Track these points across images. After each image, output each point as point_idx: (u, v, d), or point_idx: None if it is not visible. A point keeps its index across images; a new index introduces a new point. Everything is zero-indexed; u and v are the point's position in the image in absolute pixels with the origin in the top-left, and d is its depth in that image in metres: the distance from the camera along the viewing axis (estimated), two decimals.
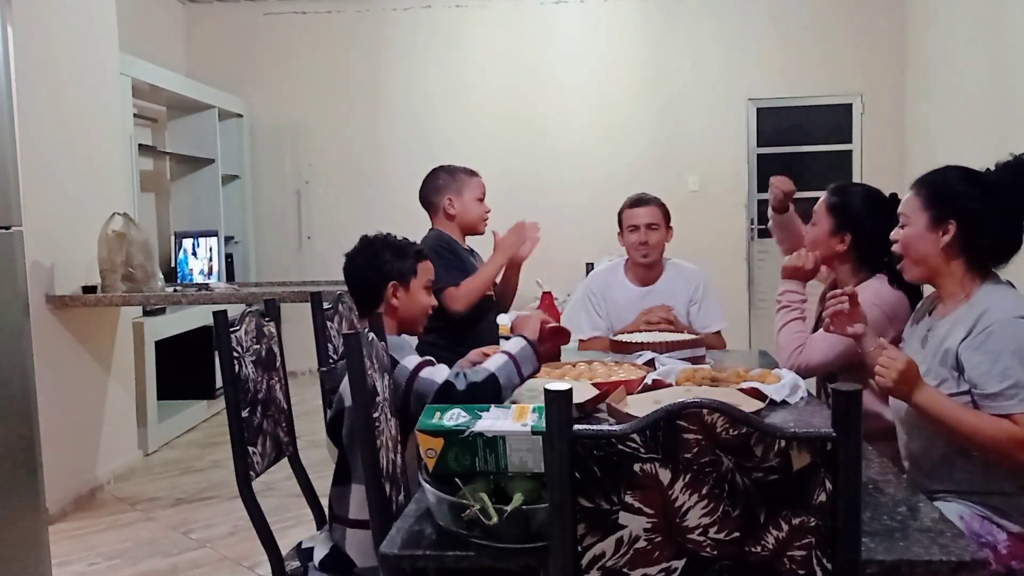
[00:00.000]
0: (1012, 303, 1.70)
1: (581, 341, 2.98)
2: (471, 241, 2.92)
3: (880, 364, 1.74)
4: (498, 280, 2.84)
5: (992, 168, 1.79)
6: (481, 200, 2.83)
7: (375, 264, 2.00)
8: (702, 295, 2.98)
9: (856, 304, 1.95)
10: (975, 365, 1.67)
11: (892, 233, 1.88)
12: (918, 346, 1.87)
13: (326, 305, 2.42)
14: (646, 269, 3.00)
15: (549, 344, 2.06)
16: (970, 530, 1.68)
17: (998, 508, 1.71)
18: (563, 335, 2.09)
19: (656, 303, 2.96)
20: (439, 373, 1.82)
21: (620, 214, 3.01)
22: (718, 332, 2.95)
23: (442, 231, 2.79)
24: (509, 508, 1.21)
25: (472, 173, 2.85)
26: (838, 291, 2.00)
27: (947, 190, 1.79)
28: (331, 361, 2.35)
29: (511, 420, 1.29)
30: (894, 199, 2.30)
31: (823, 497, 1.01)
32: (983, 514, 1.71)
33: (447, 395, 1.77)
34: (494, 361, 1.87)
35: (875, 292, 2.18)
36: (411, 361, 1.83)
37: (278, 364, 2.10)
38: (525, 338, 1.92)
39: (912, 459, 1.87)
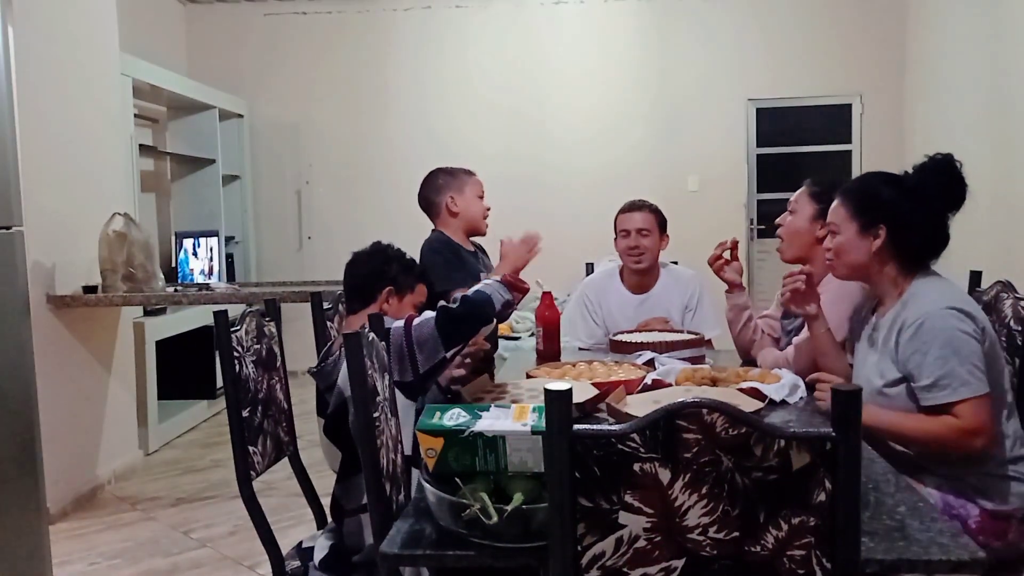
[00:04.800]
0: (941, 295, 1.76)
1: (580, 349, 2.97)
2: (478, 240, 2.92)
3: (818, 390, 1.89)
4: None
5: (909, 171, 1.87)
6: (481, 198, 2.83)
7: (380, 266, 2.09)
8: (697, 302, 2.97)
9: (812, 284, 2.04)
10: (909, 358, 1.74)
11: (824, 242, 1.96)
12: (866, 347, 1.94)
13: (326, 305, 2.42)
14: (640, 275, 2.99)
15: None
16: (944, 502, 1.74)
17: (975, 487, 1.76)
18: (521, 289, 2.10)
19: (652, 310, 2.96)
20: (428, 314, 1.89)
21: (615, 219, 3.00)
22: (710, 340, 2.93)
23: (444, 233, 2.79)
24: (509, 508, 1.21)
25: (470, 172, 2.86)
26: (796, 269, 2.10)
27: (873, 196, 1.87)
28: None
29: (511, 420, 1.29)
30: None
31: (822, 497, 1.01)
32: (961, 489, 1.76)
33: (446, 316, 1.85)
34: (476, 285, 1.98)
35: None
36: (399, 321, 1.90)
37: (278, 364, 2.10)
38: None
39: (888, 450, 1.89)
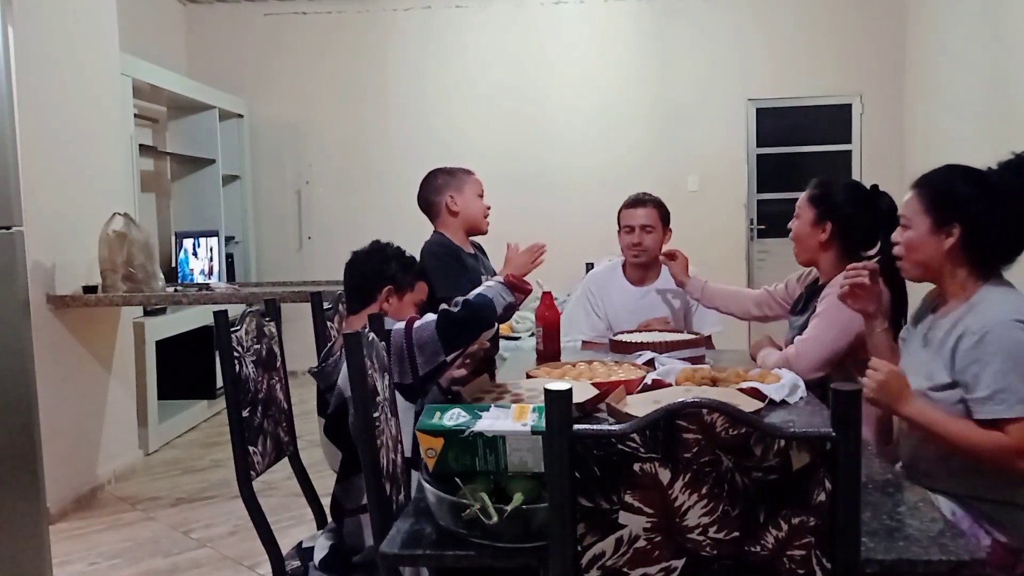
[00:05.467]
0: (1011, 306, 1.67)
1: (584, 342, 2.98)
2: (479, 240, 2.92)
3: (868, 377, 1.75)
4: None
5: (994, 167, 1.74)
6: (481, 197, 2.83)
7: (379, 265, 2.07)
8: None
9: (876, 280, 1.94)
10: (967, 367, 1.66)
11: (893, 235, 1.85)
12: (919, 345, 1.85)
13: (326, 305, 2.42)
14: (642, 269, 3.01)
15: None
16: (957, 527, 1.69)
17: (989, 515, 1.70)
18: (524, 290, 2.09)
19: (653, 303, 2.97)
20: (429, 317, 1.87)
21: (619, 213, 3.01)
22: (709, 336, 2.95)
23: (444, 235, 2.78)
24: (509, 508, 1.21)
25: (469, 171, 2.86)
26: (859, 264, 1.99)
27: (950, 192, 1.74)
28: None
29: (511, 420, 1.29)
30: (875, 189, 2.33)
31: (822, 497, 1.01)
32: (975, 517, 1.70)
33: (447, 319, 1.83)
34: (478, 288, 1.96)
35: None
36: (400, 323, 1.88)
37: (278, 364, 2.10)
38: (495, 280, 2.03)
39: (909, 457, 1.87)
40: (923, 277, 1.85)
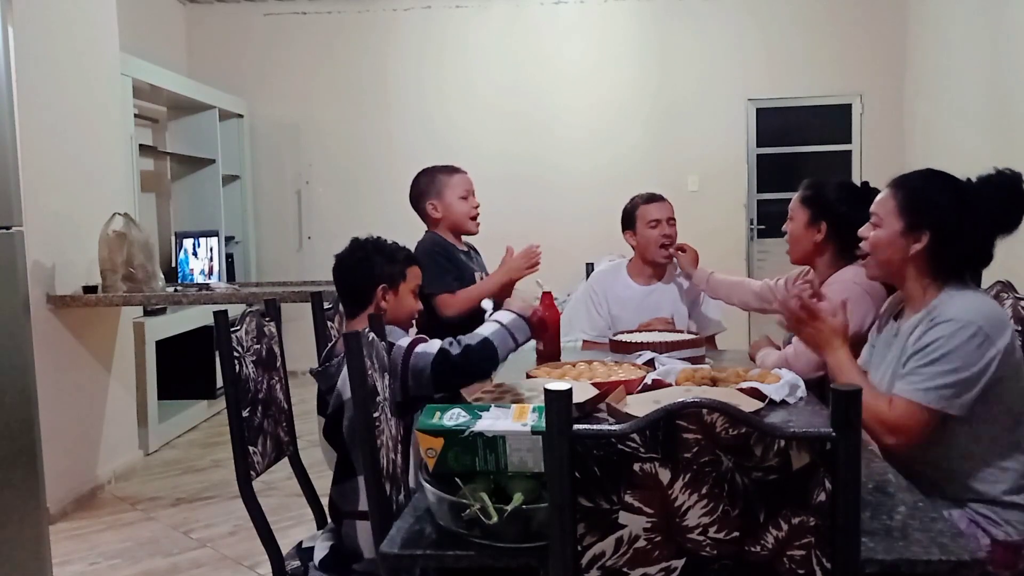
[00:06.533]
0: (967, 308, 1.68)
1: (585, 341, 2.98)
2: (472, 240, 2.91)
3: (818, 313, 1.84)
4: None
5: (973, 180, 1.75)
6: (466, 197, 2.76)
7: (366, 266, 2.01)
8: (703, 295, 2.99)
9: (819, 298, 1.95)
10: (910, 358, 1.70)
11: (861, 230, 1.85)
12: (885, 349, 1.87)
13: (326, 305, 2.41)
14: (652, 267, 3.00)
15: (536, 329, 2.08)
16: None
17: (987, 516, 1.70)
18: (545, 329, 2.09)
19: (659, 301, 2.98)
20: (433, 346, 1.86)
21: (633, 211, 2.97)
22: (712, 338, 2.97)
23: (436, 234, 2.78)
24: (509, 508, 1.21)
25: (453, 171, 2.78)
26: (798, 279, 2.04)
27: (926, 198, 1.75)
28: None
29: (511, 420, 1.29)
30: (866, 187, 2.33)
31: (822, 497, 1.01)
32: (972, 517, 1.70)
33: (444, 361, 1.82)
34: (486, 328, 1.93)
35: (855, 273, 2.20)
36: (405, 340, 1.87)
37: (278, 364, 2.10)
38: (513, 312, 2.00)
39: (902, 463, 1.86)
40: (885, 277, 1.88)
